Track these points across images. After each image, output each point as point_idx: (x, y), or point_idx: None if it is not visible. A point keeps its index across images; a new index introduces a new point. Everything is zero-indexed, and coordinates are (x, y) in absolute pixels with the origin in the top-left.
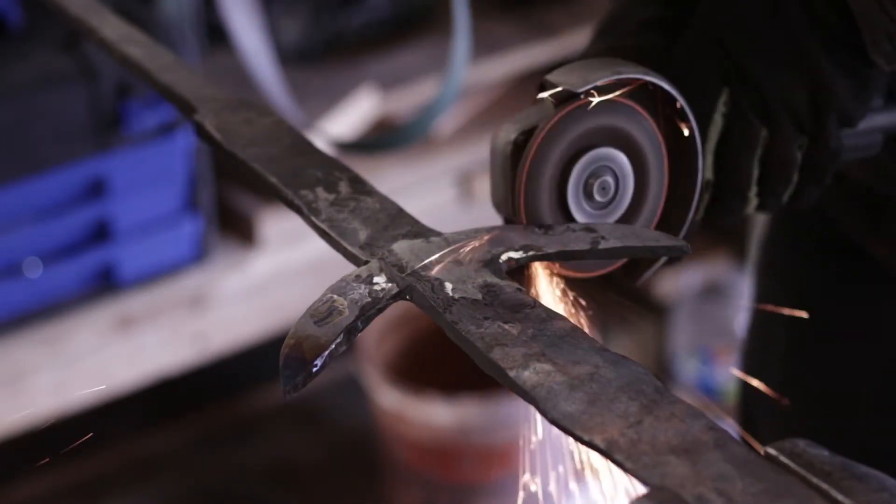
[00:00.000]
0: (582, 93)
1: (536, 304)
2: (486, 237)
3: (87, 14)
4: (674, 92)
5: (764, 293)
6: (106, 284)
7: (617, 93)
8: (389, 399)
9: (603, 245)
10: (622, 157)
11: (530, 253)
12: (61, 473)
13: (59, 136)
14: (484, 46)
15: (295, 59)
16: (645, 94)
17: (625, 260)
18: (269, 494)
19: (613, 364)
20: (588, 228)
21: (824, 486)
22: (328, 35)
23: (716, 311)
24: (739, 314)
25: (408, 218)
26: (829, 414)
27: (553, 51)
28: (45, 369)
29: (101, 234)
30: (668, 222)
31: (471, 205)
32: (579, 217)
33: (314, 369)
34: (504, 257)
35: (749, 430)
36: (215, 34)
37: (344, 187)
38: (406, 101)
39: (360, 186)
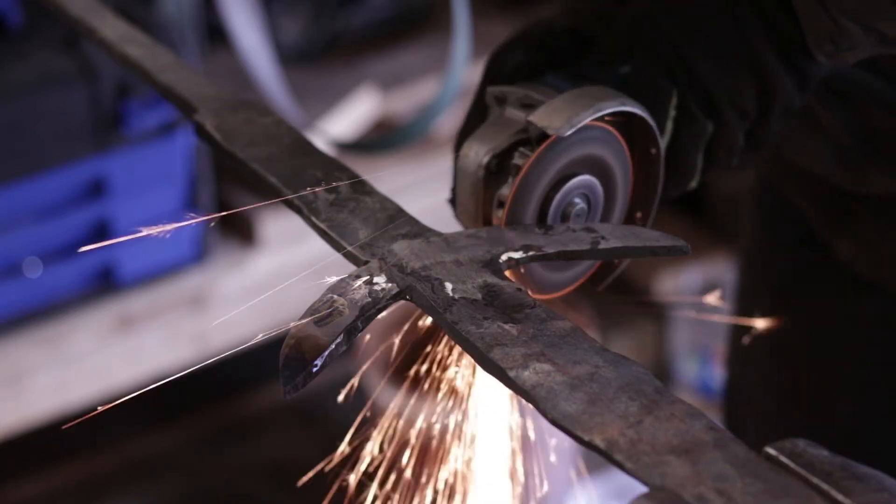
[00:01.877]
0: (567, 136)
1: (536, 304)
2: (486, 237)
3: (87, 14)
4: (649, 119)
5: (743, 286)
6: (106, 284)
7: (594, 118)
8: (389, 399)
9: (603, 245)
10: (594, 181)
11: (530, 253)
12: (61, 473)
13: (59, 136)
14: (484, 46)
15: (295, 59)
16: (614, 113)
17: (587, 275)
18: (269, 494)
19: (613, 364)
20: (588, 229)
21: (824, 486)
22: (328, 35)
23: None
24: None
25: (408, 218)
26: (810, 410)
27: None
28: (45, 369)
29: (101, 234)
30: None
31: None
32: None
33: (314, 369)
34: (504, 257)
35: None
36: (215, 34)
37: (344, 187)
38: (406, 101)
39: (360, 186)
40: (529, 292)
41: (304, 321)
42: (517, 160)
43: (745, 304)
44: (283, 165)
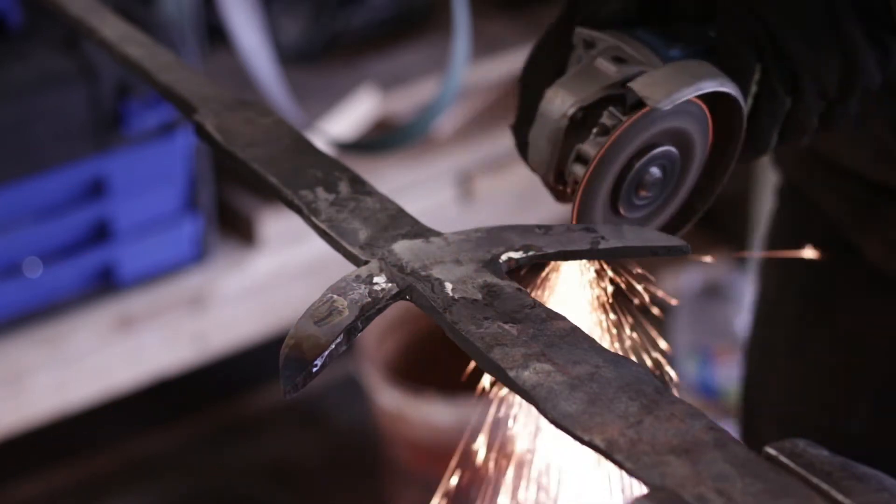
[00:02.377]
0: (667, 110)
1: (536, 304)
2: (486, 237)
3: (87, 14)
4: (741, 100)
5: (765, 287)
6: (106, 284)
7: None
8: (389, 399)
9: (603, 245)
10: (674, 152)
11: (530, 253)
12: (61, 473)
13: (59, 136)
14: (484, 46)
15: (295, 59)
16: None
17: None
18: (269, 494)
19: (613, 364)
20: (588, 228)
21: (824, 486)
22: (328, 35)
23: (716, 311)
24: (739, 314)
25: (408, 218)
26: (829, 413)
27: None
28: (45, 369)
29: (101, 234)
30: (697, 193)
31: (471, 205)
32: (624, 210)
33: (314, 369)
34: (504, 257)
35: (751, 433)
36: (215, 34)
37: (344, 187)
38: (406, 101)
39: (360, 186)
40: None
41: (304, 321)
42: (606, 119)
43: (767, 305)
44: (283, 165)
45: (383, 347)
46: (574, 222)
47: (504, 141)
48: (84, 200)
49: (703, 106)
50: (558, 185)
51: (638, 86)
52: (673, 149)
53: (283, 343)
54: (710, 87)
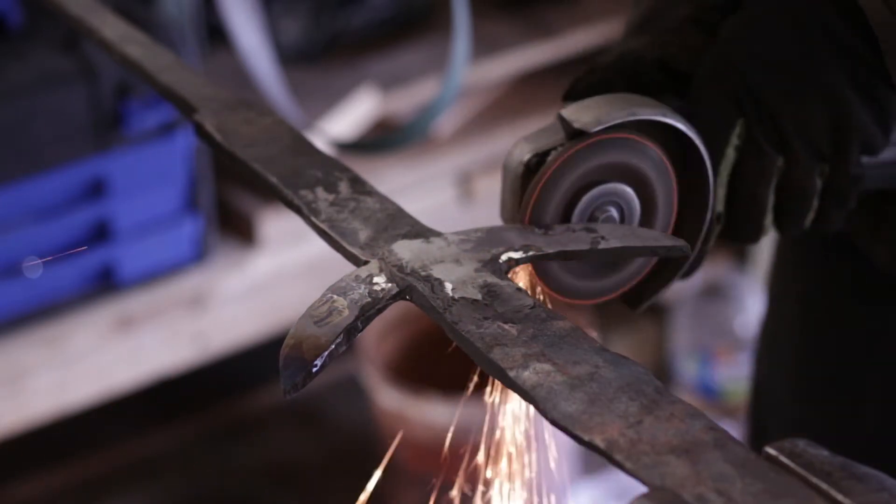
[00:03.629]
0: (593, 133)
1: (536, 304)
2: (486, 237)
3: (87, 14)
4: (691, 133)
5: (775, 292)
6: (106, 284)
7: (627, 131)
8: (389, 399)
9: (603, 245)
10: (630, 192)
11: (530, 253)
12: (61, 473)
13: (59, 136)
14: (484, 46)
15: (295, 59)
16: (658, 127)
17: (623, 289)
18: (269, 494)
19: (613, 364)
20: (588, 228)
21: (824, 486)
22: (328, 35)
23: (716, 311)
24: (739, 314)
25: (408, 218)
26: (836, 418)
27: (553, 51)
28: (45, 369)
29: (101, 234)
30: (670, 258)
31: (471, 205)
32: None
33: (314, 369)
34: (504, 257)
35: (758, 436)
36: (215, 34)
37: (344, 187)
38: (406, 101)
39: (360, 186)
40: (550, 296)
41: (303, 321)
42: (551, 157)
43: (774, 308)
44: (283, 165)
45: (383, 347)
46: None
47: (504, 141)
48: (84, 200)
49: (655, 147)
50: None
51: (567, 111)
52: (626, 188)
53: (283, 343)
54: (646, 114)
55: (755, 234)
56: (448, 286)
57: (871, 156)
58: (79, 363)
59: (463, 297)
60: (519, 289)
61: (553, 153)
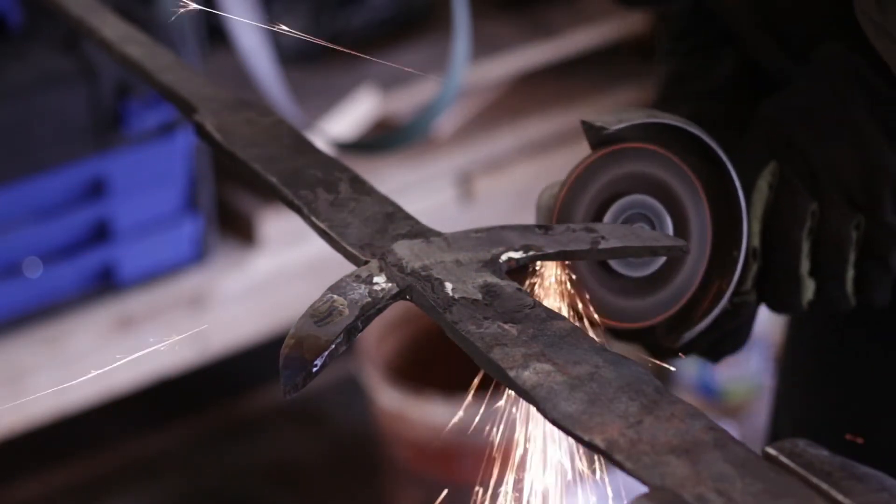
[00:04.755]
0: (615, 131)
1: (536, 304)
2: (486, 237)
3: (87, 14)
4: (711, 142)
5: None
6: (106, 284)
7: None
8: (389, 399)
9: (603, 245)
10: (658, 206)
11: (530, 253)
12: (61, 473)
13: (59, 136)
14: (484, 46)
15: (295, 59)
16: (686, 148)
17: (669, 314)
18: (269, 494)
19: (613, 364)
20: (588, 228)
21: (824, 486)
22: (328, 35)
23: None
24: None
25: (408, 218)
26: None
27: (553, 51)
28: (45, 369)
29: (101, 234)
30: (709, 289)
31: (471, 205)
32: (613, 265)
33: (314, 369)
34: (504, 257)
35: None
36: (215, 34)
37: (344, 187)
38: (406, 101)
39: (360, 186)
40: (609, 323)
41: (304, 321)
42: (575, 164)
43: (795, 323)
44: (283, 165)
45: (383, 347)
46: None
47: (504, 141)
48: (84, 200)
49: (678, 160)
50: None
51: (590, 115)
52: (654, 202)
53: (283, 343)
54: (665, 118)
55: (794, 287)
56: (448, 286)
57: None
58: (79, 363)
59: (463, 297)
60: (519, 289)
61: (574, 166)
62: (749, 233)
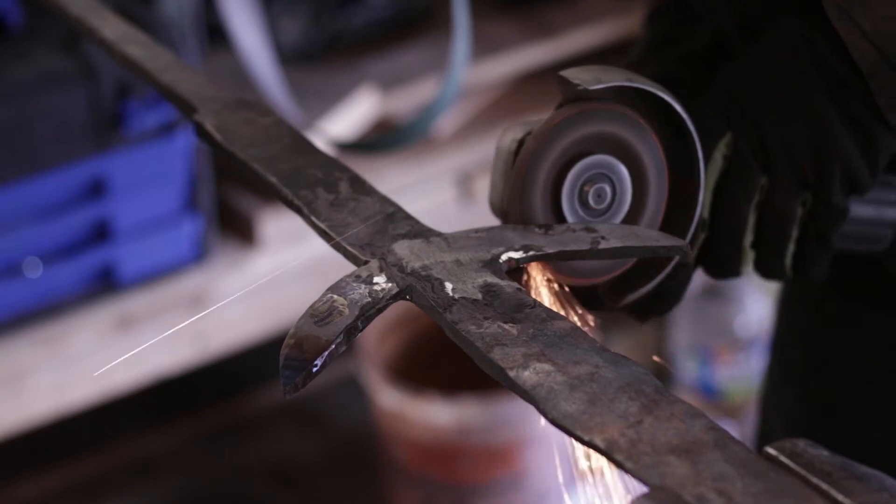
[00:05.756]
0: (593, 90)
1: (536, 304)
2: (486, 237)
3: (87, 14)
4: (679, 108)
5: (785, 300)
6: (106, 284)
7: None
8: (389, 399)
9: (603, 245)
10: (622, 169)
11: (530, 253)
12: (61, 473)
13: (59, 136)
14: (484, 46)
15: (295, 59)
16: (652, 113)
17: (615, 275)
18: (269, 494)
19: (613, 364)
20: (588, 228)
21: (824, 486)
22: (328, 35)
23: (716, 311)
24: (739, 314)
25: (408, 218)
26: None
27: (553, 51)
28: (45, 369)
29: (101, 234)
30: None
31: (471, 205)
32: (571, 220)
33: (314, 369)
34: (504, 257)
35: (765, 436)
36: (215, 34)
37: (344, 187)
38: (406, 101)
39: (360, 186)
40: (560, 278)
41: (304, 321)
42: (549, 115)
43: (784, 318)
44: (283, 165)
45: (383, 347)
46: (515, 212)
47: None
48: (84, 200)
49: (648, 125)
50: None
51: (567, 71)
52: (620, 165)
53: (283, 343)
54: (641, 83)
55: (735, 256)
56: (448, 286)
57: (857, 194)
58: (79, 363)
59: (463, 297)
60: (519, 289)
61: (548, 116)
62: (702, 203)
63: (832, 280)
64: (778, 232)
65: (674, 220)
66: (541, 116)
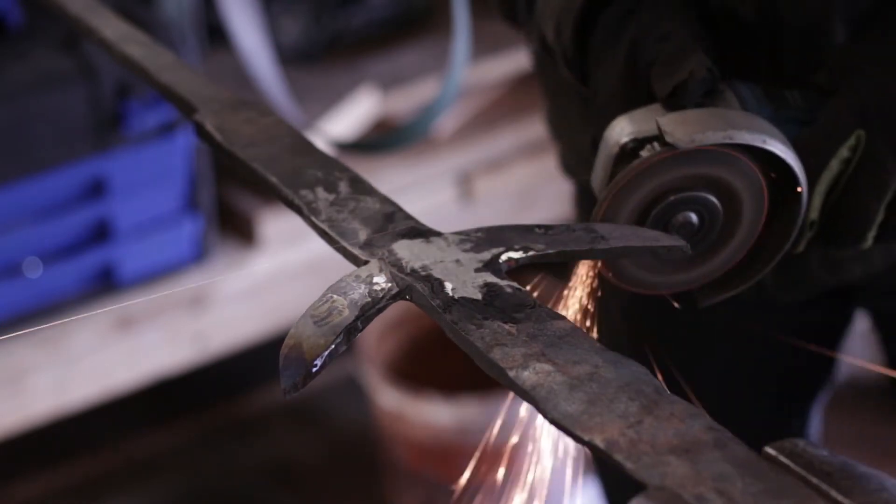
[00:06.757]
0: (685, 149)
1: (536, 304)
2: (486, 237)
3: (87, 14)
4: (789, 159)
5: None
6: (106, 284)
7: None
8: (389, 399)
9: (603, 245)
10: (714, 202)
11: (530, 253)
12: (61, 473)
13: (59, 136)
14: (484, 46)
15: (295, 59)
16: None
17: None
18: (269, 494)
19: (613, 364)
20: (588, 228)
21: (824, 486)
22: (328, 35)
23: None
24: None
25: (408, 218)
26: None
27: None
28: (45, 369)
29: (101, 234)
30: (758, 255)
31: (471, 205)
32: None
33: (314, 369)
34: (504, 257)
35: None
36: (215, 34)
37: (344, 187)
38: (406, 101)
39: (360, 186)
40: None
41: (303, 321)
42: (644, 153)
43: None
44: (283, 165)
45: (383, 347)
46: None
47: (504, 141)
48: (84, 200)
49: (750, 163)
50: None
51: (664, 121)
52: (712, 198)
53: (283, 343)
54: (743, 139)
55: (856, 246)
56: (448, 286)
57: None
58: (79, 363)
59: (463, 297)
60: (519, 289)
61: (639, 159)
62: (807, 213)
63: None
64: None
65: (774, 230)
66: (646, 112)
